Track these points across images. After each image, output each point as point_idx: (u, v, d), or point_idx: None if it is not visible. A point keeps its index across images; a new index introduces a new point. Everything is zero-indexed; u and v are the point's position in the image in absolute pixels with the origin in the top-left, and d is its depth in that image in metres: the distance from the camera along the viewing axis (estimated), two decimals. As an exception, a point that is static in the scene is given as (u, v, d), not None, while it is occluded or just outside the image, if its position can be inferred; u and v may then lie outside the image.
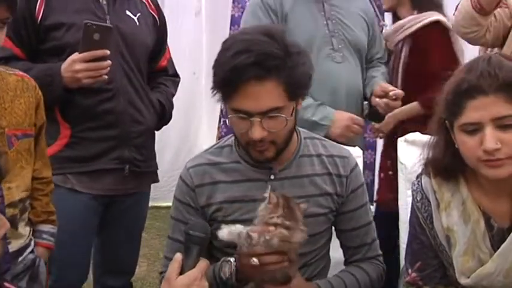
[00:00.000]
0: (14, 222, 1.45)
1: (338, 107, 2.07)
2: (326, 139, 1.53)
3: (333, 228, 1.51)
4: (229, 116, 1.33)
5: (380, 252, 1.52)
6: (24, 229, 1.52)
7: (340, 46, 2.10)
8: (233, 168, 1.42)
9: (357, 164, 1.48)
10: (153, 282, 3.16)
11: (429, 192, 1.29)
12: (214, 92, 1.33)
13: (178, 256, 1.21)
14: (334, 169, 1.44)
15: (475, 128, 1.15)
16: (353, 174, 1.45)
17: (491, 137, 1.13)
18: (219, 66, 1.30)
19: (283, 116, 1.29)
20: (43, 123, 1.59)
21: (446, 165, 1.25)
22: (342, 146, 1.56)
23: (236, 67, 1.24)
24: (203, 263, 1.20)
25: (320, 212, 1.42)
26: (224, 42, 1.33)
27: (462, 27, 2.04)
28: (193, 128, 4.62)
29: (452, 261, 1.25)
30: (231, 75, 1.25)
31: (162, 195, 4.49)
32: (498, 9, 2.00)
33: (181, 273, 1.19)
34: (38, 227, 1.61)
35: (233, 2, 4.56)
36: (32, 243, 1.57)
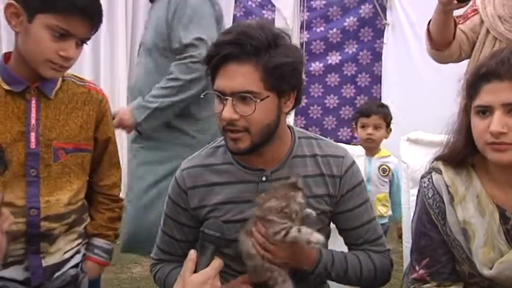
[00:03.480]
0: (50, 237, 1.42)
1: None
2: (323, 138, 1.50)
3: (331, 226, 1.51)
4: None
5: (387, 247, 1.49)
6: (65, 245, 1.48)
7: (141, 51, 2.36)
8: (226, 169, 1.42)
9: (353, 163, 1.45)
10: (157, 282, 3.17)
11: (441, 187, 1.29)
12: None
13: (193, 254, 1.20)
14: (327, 169, 1.42)
15: (486, 111, 1.19)
16: (348, 174, 1.42)
17: (497, 121, 1.16)
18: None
19: (254, 99, 1.27)
20: (107, 138, 1.55)
21: (463, 150, 1.27)
22: (339, 144, 1.53)
23: (216, 44, 1.29)
24: (217, 262, 1.20)
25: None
26: None
27: (434, 59, 2.14)
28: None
29: (468, 256, 1.26)
30: (211, 52, 1.29)
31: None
32: (462, 26, 2.04)
33: (195, 271, 1.19)
34: (91, 241, 1.56)
35: (235, 2, 4.57)
36: (77, 257, 1.52)
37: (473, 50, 2.09)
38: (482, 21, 2.02)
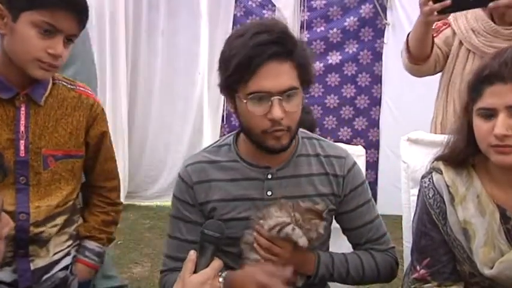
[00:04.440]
0: (39, 241, 1.41)
1: None
2: (324, 139, 1.52)
3: (333, 226, 1.51)
4: (244, 102, 1.28)
5: (391, 245, 1.51)
6: (55, 246, 1.46)
7: None
8: (231, 166, 1.42)
9: (355, 163, 1.47)
10: (157, 282, 3.16)
11: (442, 187, 1.30)
12: (225, 83, 1.30)
13: (192, 255, 1.20)
14: (331, 169, 1.43)
15: (489, 114, 1.19)
16: (350, 174, 1.44)
17: (502, 123, 1.16)
18: (235, 50, 1.27)
19: (300, 95, 1.30)
20: (98, 142, 1.52)
21: (464, 150, 1.27)
22: (339, 145, 1.54)
23: (258, 44, 1.24)
24: (217, 263, 1.20)
25: None
26: (235, 31, 1.33)
27: (411, 73, 2.15)
28: (196, 128, 4.62)
29: (469, 256, 1.26)
30: (252, 53, 1.24)
31: (165, 194, 4.51)
32: (435, 40, 2.05)
33: (194, 272, 1.19)
34: (83, 243, 1.54)
35: (235, 2, 4.57)
36: (67, 259, 1.50)
37: (447, 62, 2.11)
38: (454, 33, 2.04)
